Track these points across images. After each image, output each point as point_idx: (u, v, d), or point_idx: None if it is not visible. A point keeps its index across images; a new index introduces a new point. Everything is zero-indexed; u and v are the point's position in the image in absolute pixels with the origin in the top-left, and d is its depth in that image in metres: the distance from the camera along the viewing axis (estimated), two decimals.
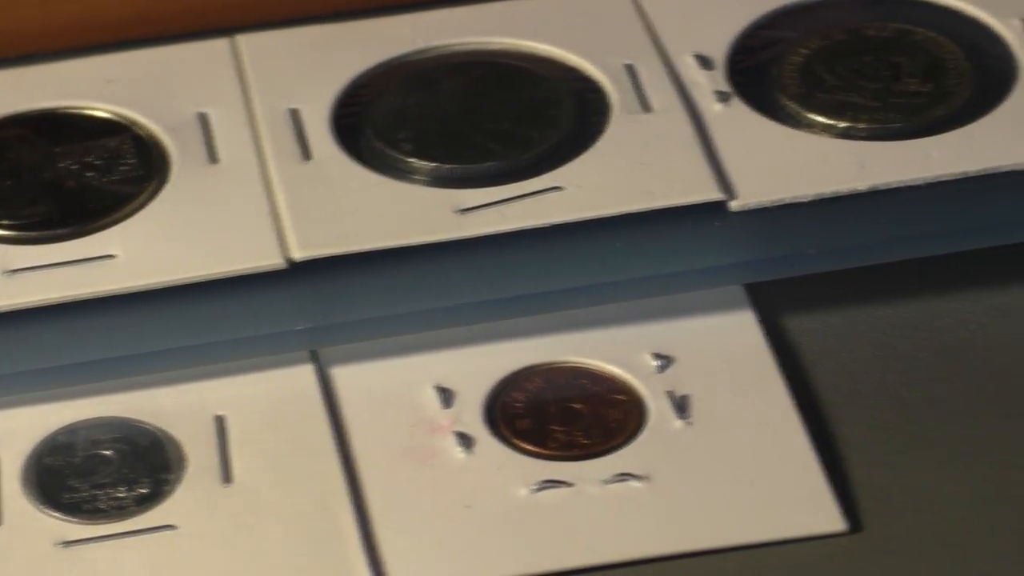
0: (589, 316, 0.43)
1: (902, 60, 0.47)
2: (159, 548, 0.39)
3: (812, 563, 0.39)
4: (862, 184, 0.44)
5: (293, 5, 0.48)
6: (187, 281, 0.43)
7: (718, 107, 0.46)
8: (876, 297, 0.44)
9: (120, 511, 0.40)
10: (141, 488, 0.40)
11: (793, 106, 0.46)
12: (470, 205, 0.44)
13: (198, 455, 0.41)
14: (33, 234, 0.44)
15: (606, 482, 0.40)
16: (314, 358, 0.43)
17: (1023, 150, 0.44)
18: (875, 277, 0.44)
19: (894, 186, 0.44)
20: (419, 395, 0.42)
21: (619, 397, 0.42)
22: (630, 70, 0.47)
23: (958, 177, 0.44)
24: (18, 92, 0.47)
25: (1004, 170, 0.44)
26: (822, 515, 0.39)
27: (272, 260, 0.43)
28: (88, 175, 0.45)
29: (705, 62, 0.47)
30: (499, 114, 0.46)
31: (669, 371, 0.42)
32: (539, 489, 0.40)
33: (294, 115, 0.46)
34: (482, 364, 0.43)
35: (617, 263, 0.43)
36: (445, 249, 0.43)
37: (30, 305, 0.43)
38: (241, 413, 0.42)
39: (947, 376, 0.43)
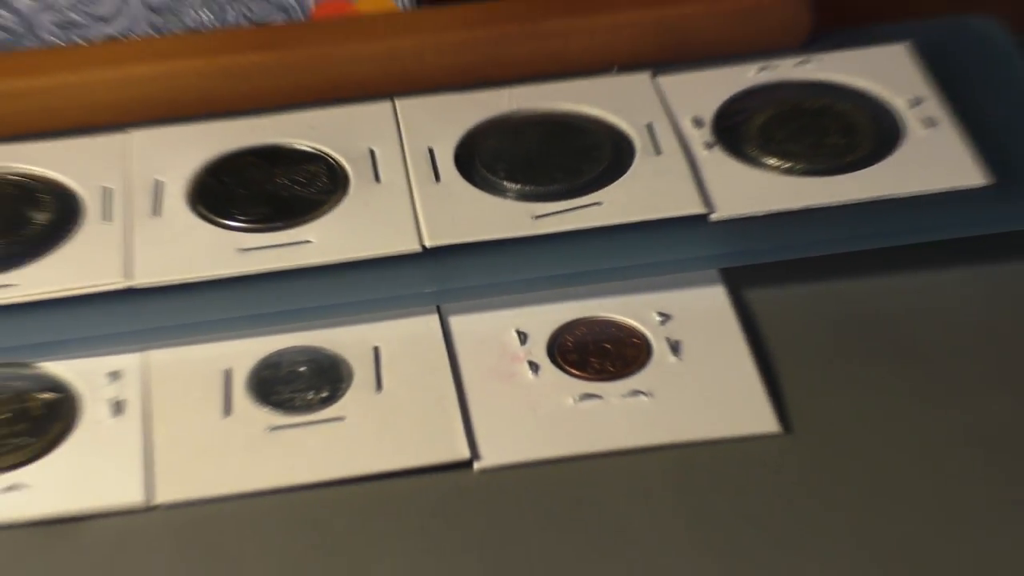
0: (618, 287, 0.44)
1: (827, 123, 0.47)
2: (333, 432, 0.40)
3: (755, 454, 0.39)
4: (798, 204, 0.44)
5: (431, 80, 0.49)
6: (358, 259, 0.44)
7: (705, 152, 0.46)
8: (812, 279, 0.44)
9: (309, 408, 0.41)
10: (323, 393, 0.41)
11: (755, 152, 0.46)
12: (541, 213, 0.45)
13: (361, 372, 0.42)
14: (258, 226, 0.45)
15: (624, 396, 0.41)
16: (438, 310, 0.43)
17: (907, 184, 0.45)
18: (810, 265, 0.44)
19: (821, 206, 0.44)
20: (505, 336, 0.43)
21: (635, 340, 0.43)
22: (649, 127, 0.47)
23: (864, 200, 0.44)
24: (252, 133, 0.48)
25: (895, 196, 0.45)
26: (763, 420, 0.40)
27: (413, 246, 0.44)
28: (296, 188, 0.46)
29: (698, 122, 0.47)
30: (562, 154, 0.47)
31: (668, 324, 0.43)
32: (581, 400, 0.41)
33: (430, 152, 0.47)
34: (547, 316, 0.43)
35: (636, 252, 0.44)
36: (525, 242, 0.44)
37: (255, 272, 0.43)
38: (391, 345, 0.43)
39: (865, 333, 0.43)
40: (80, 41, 0.52)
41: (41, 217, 0.45)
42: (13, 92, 0.48)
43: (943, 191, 0.45)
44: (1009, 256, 0.45)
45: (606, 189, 0.45)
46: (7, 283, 0.43)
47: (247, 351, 0.42)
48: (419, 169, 0.47)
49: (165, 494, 0.39)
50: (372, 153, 0.47)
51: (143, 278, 0.43)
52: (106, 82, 0.48)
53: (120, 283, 0.43)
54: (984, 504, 0.38)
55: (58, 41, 0.52)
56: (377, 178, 0.47)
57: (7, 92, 0.48)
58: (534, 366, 0.42)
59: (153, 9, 0.51)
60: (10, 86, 0.48)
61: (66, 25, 0.52)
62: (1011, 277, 0.45)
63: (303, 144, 0.48)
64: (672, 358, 0.42)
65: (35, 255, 0.44)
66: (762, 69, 0.49)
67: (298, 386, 0.42)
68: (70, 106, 0.48)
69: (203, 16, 0.52)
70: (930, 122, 0.47)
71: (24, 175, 0.47)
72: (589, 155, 0.47)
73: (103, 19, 0.51)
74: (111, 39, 0.52)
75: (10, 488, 0.39)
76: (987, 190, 0.45)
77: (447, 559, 0.37)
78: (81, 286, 0.43)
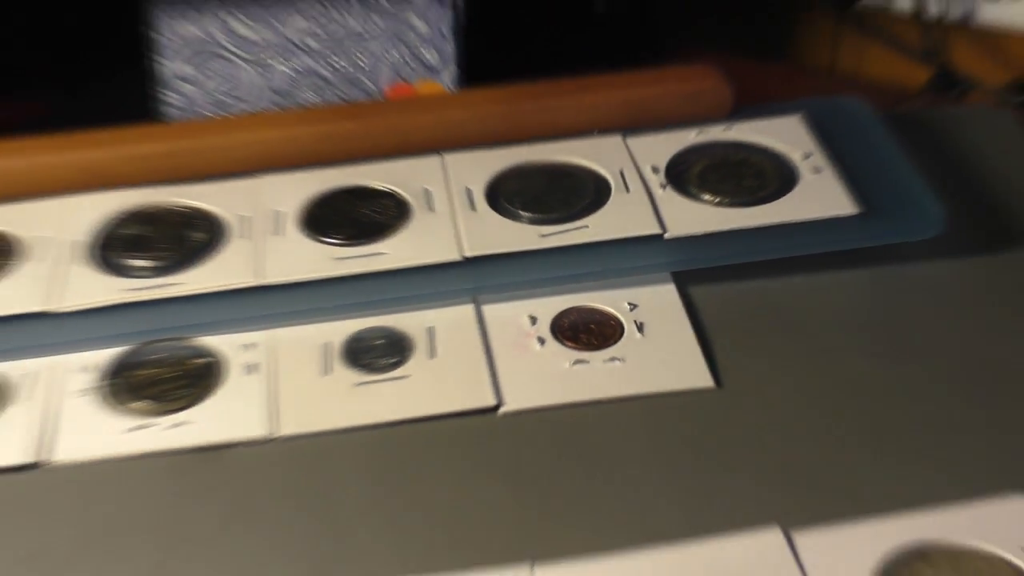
0: (600, 284, 0.43)
1: (745, 170, 0.46)
2: (400, 387, 0.40)
3: (696, 402, 0.39)
4: (726, 227, 0.44)
5: (469, 140, 0.48)
6: (418, 265, 0.43)
7: (660, 191, 0.45)
8: (736, 279, 0.43)
9: (383, 369, 0.40)
10: (393, 359, 0.41)
11: (695, 190, 0.45)
12: (546, 233, 0.44)
13: (421, 344, 0.41)
14: (348, 242, 0.44)
15: (604, 362, 0.40)
16: (475, 301, 0.43)
17: (801, 213, 0.44)
18: (734, 269, 0.43)
19: (741, 228, 0.44)
20: (521, 319, 0.42)
21: (612, 322, 0.42)
22: (621, 172, 0.46)
23: (772, 224, 0.44)
24: (344, 177, 0.47)
25: (793, 221, 0.44)
26: (701, 378, 0.40)
27: (456, 256, 0.43)
28: (374, 216, 0.45)
29: (655, 169, 0.46)
30: (560, 191, 0.46)
31: (635, 311, 0.42)
32: (573, 364, 0.40)
33: (468, 191, 0.46)
34: (550, 305, 0.42)
35: (613, 260, 0.43)
36: (535, 253, 0.43)
37: (345, 275, 0.43)
38: (442, 325, 0.42)
39: (772, 317, 0.42)
40: (225, 115, 0.51)
41: (198, 236, 0.45)
42: (179, 151, 0.48)
43: (826, 218, 0.44)
44: (869, 264, 0.44)
45: (591, 216, 0.45)
46: (176, 282, 0.43)
47: (340, 329, 0.42)
48: (461, 202, 0.46)
49: (283, 429, 0.39)
50: (427, 192, 0.46)
51: (269, 278, 0.43)
52: (243, 143, 0.48)
53: (252, 282, 0.43)
54: (848, 427, 0.38)
55: (210, 115, 0.51)
56: (431, 209, 0.46)
57: (176, 151, 0.48)
58: (541, 340, 0.41)
59: (275, 92, 0.52)
60: (177, 146, 0.48)
61: (216, 104, 0.52)
62: (871, 278, 0.44)
63: (379, 185, 0.47)
64: (638, 335, 0.41)
65: (194, 262, 0.44)
66: (699, 133, 0.48)
67: (376, 354, 0.41)
68: (218, 160, 0.48)
69: (310, 96, 0.52)
70: (816, 170, 0.46)
71: (186, 207, 0.46)
72: (578, 192, 0.46)
73: (241, 99, 0.52)
74: (247, 113, 0.52)
75: (177, 424, 0.39)
76: (856, 217, 0.44)
77: (480, 474, 0.37)
78: (225, 284, 0.43)
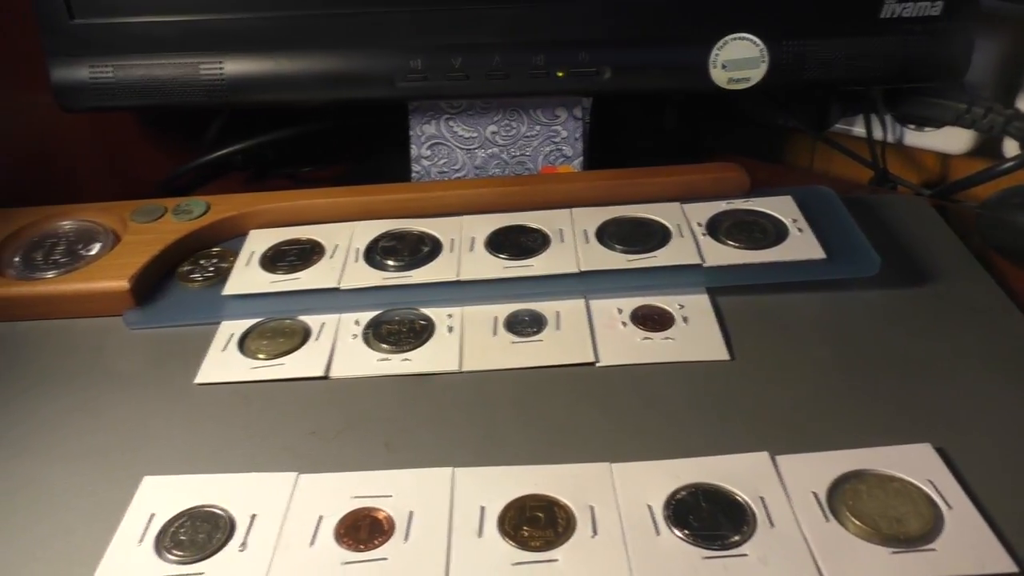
0: (663, 292, 0.40)
1: (754, 227, 0.42)
2: (538, 346, 0.37)
3: (717, 368, 0.36)
4: (741, 261, 0.40)
5: (585, 201, 0.45)
6: (552, 273, 0.40)
7: (703, 237, 0.42)
8: (745, 293, 0.40)
9: (528, 336, 0.38)
10: (534, 329, 0.38)
11: (723, 238, 0.42)
12: (631, 259, 0.41)
13: (552, 322, 0.39)
14: (511, 258, 0.41)
15: (663, 339, 0.37)
16: (585, 297, 0.40)
17: (790, 255, 0.40)
18: (745, 288, 0.40)
19: (749, 262, 0.40)
20: (612, 310, 0.39)
21: (668, 315, 0.39)
22: (678, 225, 0.43)
23: (770, 261, 0.40)
24: (510, 220, 0.44)
25: (784, 260, 0.40)
26: (721, 352, 0.37)
27: (575, 269, 0.40)
28: (528, 243, 0.42)
29: (700, 224, 0.43)
30: (639, 234, 0.42)
31: (683, 310, 0.39)
32: (643, 339, 0.37)
33: (585, 232, 0.43)
34: (630, 302, 0.39)
35: (671, 278, 0.40)
36: (623, 271, 0.40)
37: (508, 277, 0.40)
38: (565, 311, 0.39)
39: (768, 316, 0.39)
40: (444, 179, 0.50)
41: (425, 249, 0.43)
42: (418, 199, 0.46)
43: (805, 259, 0.40)
44: (831, 289, 0.40)
45: (659, 251, 0.41)
46: (410, 275, 0.41)
47: (502, 309, 0.40)
48: (580, 238, 0.43)
49: (466, 366, 0.37)
50: (560, 230, 0.43)
51: (463, 276, 0.41)
52: (454, 196, 0.46)
53: (454, 278, 0.41)
54: (814, 391, 0.35)
55: (436, 179, 0.50)
56: (562, 240, 0.43)
57: (416, 199, 0.46)
58: (624, 324, 0.39)
59: (476, 167, 0.50)
60: (417, 196, 0.46)
61: (441, 173, 0.50)
62: (831, 298, 0.40)
63: (532, 224, 0.44)
64: (684, 324, 0.38)
65: (422, 264, 0.42)
66: (728, 204, 0.44)
67: (524, 325, 0.39)
68: (439, 205, 0.46)
69: (496, 171, 0.50)
70: (800, 229, 0.42)
71: (420, 231, 0.44)
72: (651, 235, 0.42)
73: (455, 171, 0.50)
74: (458, 179, 0.50)
75: (405, 359, 0.38)
76: (823, 260, 0.40)
77: (581, 403, 0.35)
78: (439, 278, 0.41)
